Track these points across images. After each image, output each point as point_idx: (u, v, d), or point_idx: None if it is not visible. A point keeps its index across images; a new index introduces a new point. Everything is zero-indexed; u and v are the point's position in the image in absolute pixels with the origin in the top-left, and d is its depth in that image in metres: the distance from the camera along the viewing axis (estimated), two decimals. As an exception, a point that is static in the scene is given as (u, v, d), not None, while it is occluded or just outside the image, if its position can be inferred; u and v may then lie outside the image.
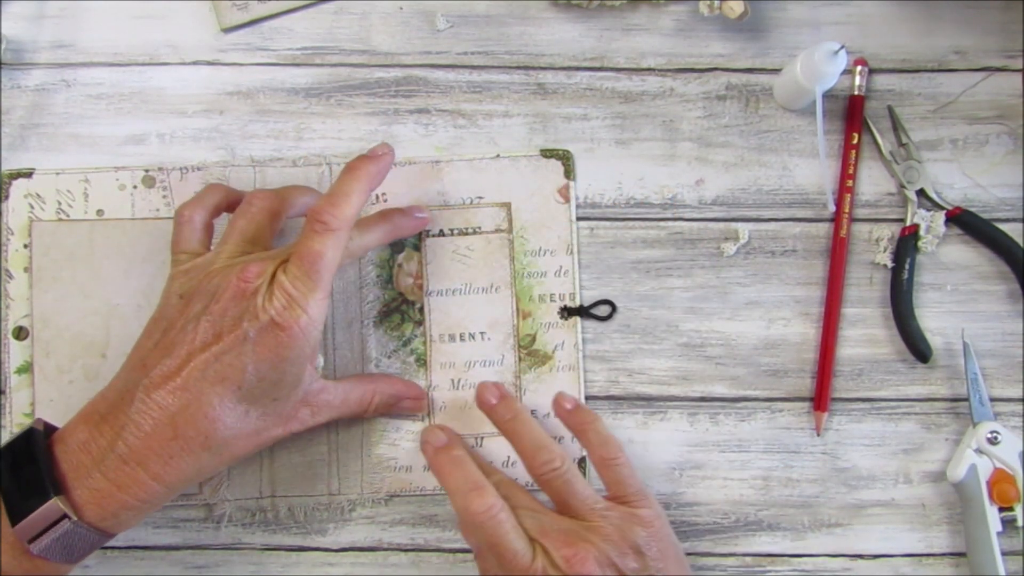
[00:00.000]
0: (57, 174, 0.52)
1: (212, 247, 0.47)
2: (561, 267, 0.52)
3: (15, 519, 0.39)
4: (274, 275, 0.42)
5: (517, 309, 0.52)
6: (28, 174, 0.52)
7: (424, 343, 0.52)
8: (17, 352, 0.51)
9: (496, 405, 0.49)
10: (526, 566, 0.42)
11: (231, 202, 0.48)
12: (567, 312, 0.52)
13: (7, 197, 0.51)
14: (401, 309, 0.52)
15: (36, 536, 0.39)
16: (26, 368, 0.51)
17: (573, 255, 0.52)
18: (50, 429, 0.43)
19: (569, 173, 0.53)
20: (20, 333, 0.51)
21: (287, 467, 0.51)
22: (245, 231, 0.45)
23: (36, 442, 0.41)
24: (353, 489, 0.51)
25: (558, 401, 0.50)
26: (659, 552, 0.43)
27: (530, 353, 0.52)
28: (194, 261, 0.45)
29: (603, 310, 0.52)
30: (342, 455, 0.51)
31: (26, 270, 0.51)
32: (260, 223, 0.45)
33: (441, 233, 0.52)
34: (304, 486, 0.51)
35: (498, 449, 0.51)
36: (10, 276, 0.51)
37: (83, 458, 0.41)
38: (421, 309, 0.52)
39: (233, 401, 0.41)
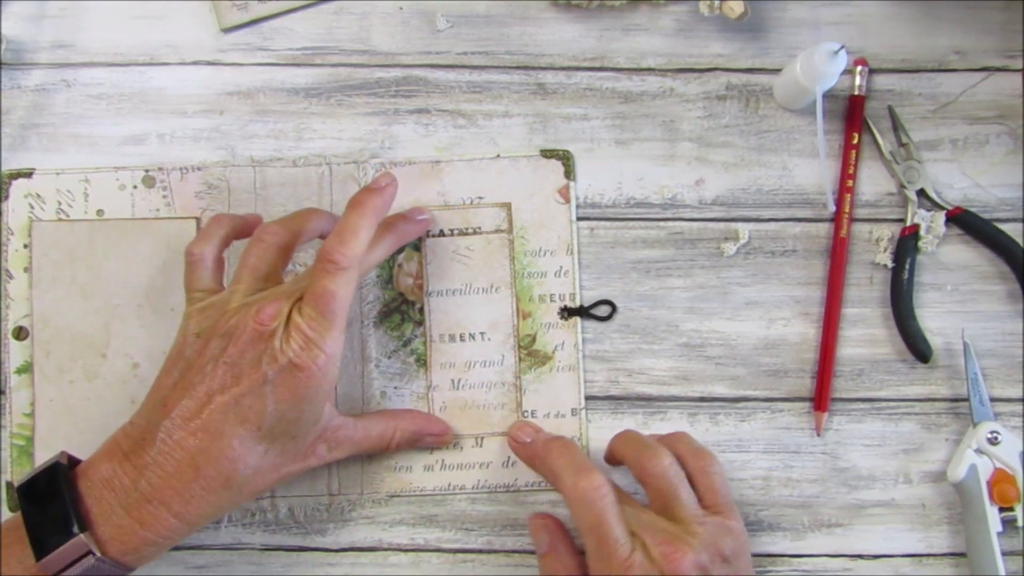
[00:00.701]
0: (57, 174, 0.52)
1: (225, 281, 0.48)
2: (561, 267, 0.52)
3: (40, 553, 0.40)
4: (290, 316, 0.42)
5: (517, 309, 0.52)
6: (28, 174, 0.52)
7: (424, 343, 0.52)
8: (17, 352, 0.51)
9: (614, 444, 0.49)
10: (625, 555, 0.42)
11: (238, 231, 0.48)
12: (567, 312, 0.52)
13: (7, 197, 0.51)
14: (401, 309, 0.52)
15: (61, 570, 0.40)
16: (26, 368, 0.51)
17: (573, 255, 0.52)
18: (73, 461, 0.44)
19: (569, 173, 0.53)
20: (20, 333, 0.51)
21: None
22: (257, 268, 0.45)
23: (60, 476, 0.42)
24: (353, 489, 0.51)
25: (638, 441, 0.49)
26: (744, 565, 0.44)
27: (530, 353, 0.52)
28: (209, 299, 0.45)
29: (603, 310, 0.52)
30: None
31: (26, 270, 0.51)
32: (272, 259, 0.46)
33: (441, 233, 0.52)
34: (304, 486, 0.51)
35: (499, 448, 0.51)
36: (10, 276, 0.51)
37: (107, 494, 0.41)
38: (421, 309, 0.52)
39: (253, 441, 0.42)
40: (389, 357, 0.52)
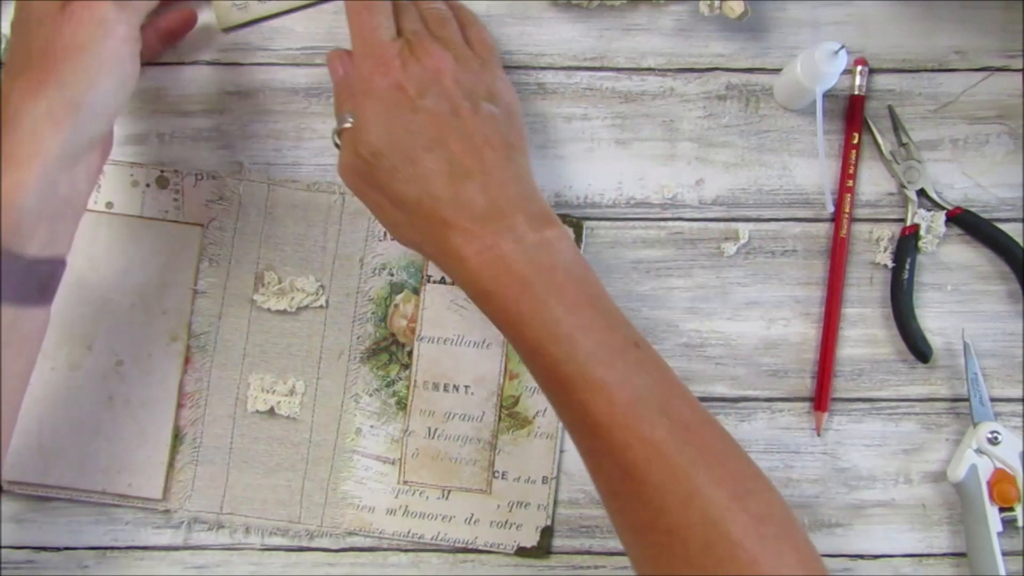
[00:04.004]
0: None
1: None
2: None
3: None
4: None
5: (506, 368, 0.51)
6: None
7: (407, 387, 0.51)
8: None
9: None
10: (386, 42, 0.44)
11: None
12: None
13: None
14: (390, 350, 0.52)
15: None
16: None
17: None
18: None
19: (579, 240, 0.52)
20: None
21: (250, 488, 0.51)
22: None
23: None
24: (313, 520, 0.51)
25: None
26: (517, 123, 0.46)
27: (511, 415, 0.51)
28: None
29: None
30: (308, 485, 0.51)
31: None
32: None
33: (442, 280, 0.52)
34: (264, 509, 0.51)
35: (463, 503, 0.51)
36: None
37: None
38: (410, 353, 0.51)
39: None
40: (371, 395, 0.51)
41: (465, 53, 0.46)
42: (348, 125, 0.44)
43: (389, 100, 0.43)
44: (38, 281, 0.40)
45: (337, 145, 0.45)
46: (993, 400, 0.52)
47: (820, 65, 0.48)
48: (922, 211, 0.52)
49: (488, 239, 0.41)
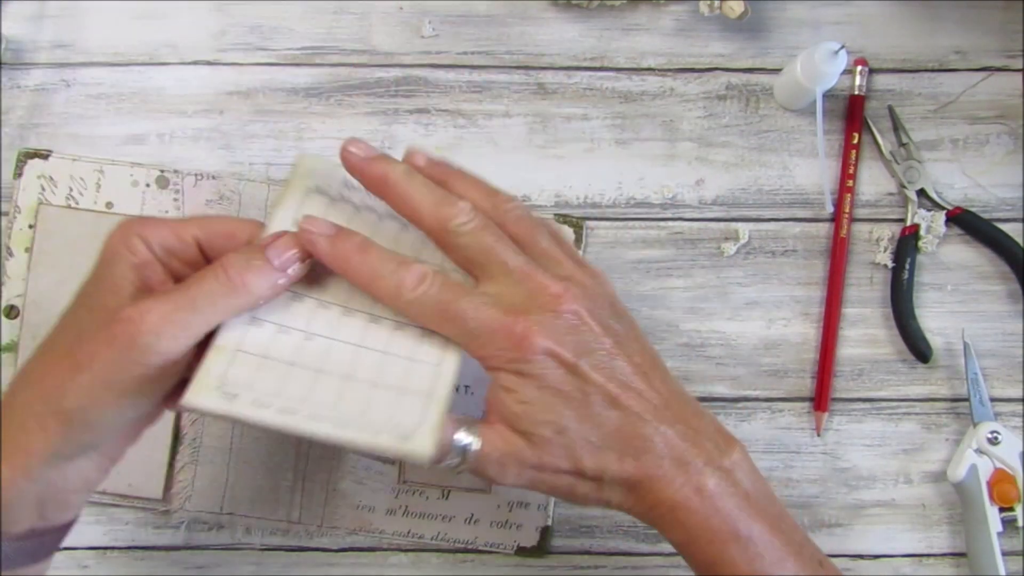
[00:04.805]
0: (73, 160, 0.51)
1: None
2: None
3: None
4: None
5: None
6: (45, 155, 0.51)
7: None
8: (6, 330, 0.51)
9: (370, 162, 0.40)
10: (550, 281, 0.38)
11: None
12: None
13: (21, 175, 0.51)
14: None
15: None
16: (12, 348, 0.51)
17: None
18: None
19: (579, 242, 0.52)
20: (11, 312, 0.51)
21: (250, 488, 0.51)
22: None
23: None
24: (313, 520, 0.50)
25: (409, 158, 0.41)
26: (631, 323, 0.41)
27: None
28: None
29: None
30: (307, 485, 0.51)
31: (27, 251, 0.51)
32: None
33: None
34: (264, 509, 0.50)
35: (464, 504, 0.50)
36: (10, 254, 0.51)
37: None
38: None
39: None
40: None
41: (574, 270, 0.40)
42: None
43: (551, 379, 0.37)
44: (27, 552, 0.39)
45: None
46: (993, 400, 0.52)
47: (820, 65, 0.48)
48: (922, 211, 0.52)
49: (692, 477, 0.37)
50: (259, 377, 0.37)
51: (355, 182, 0.40)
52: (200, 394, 0.35)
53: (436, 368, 0.38)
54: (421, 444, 0.35)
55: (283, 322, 0.38)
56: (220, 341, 0.37)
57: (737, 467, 0.38)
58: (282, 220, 0.39)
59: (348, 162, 0.40)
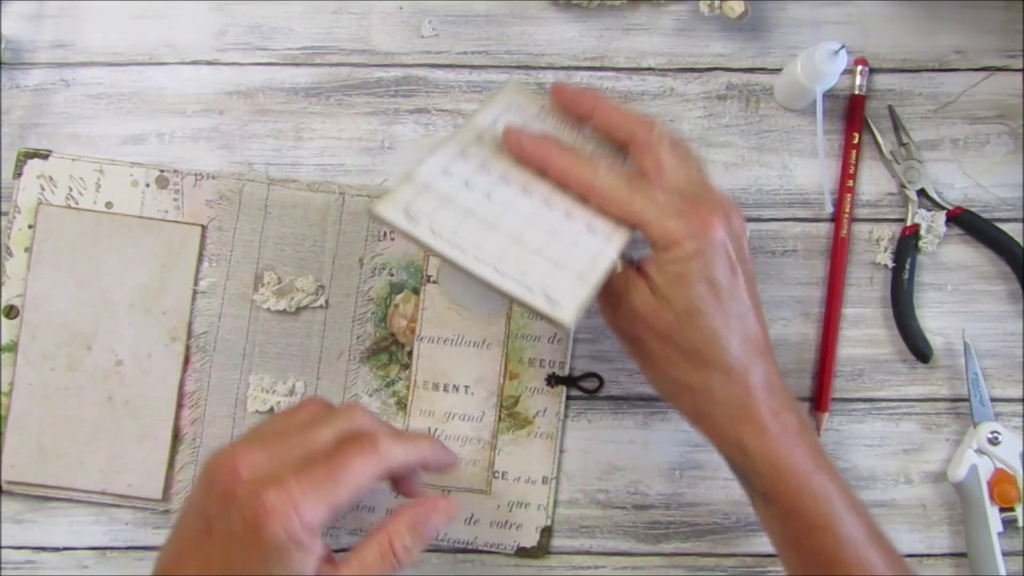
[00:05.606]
0: (73, 160, 0.52)
1: None
2: (556, 334, 0.51)
3: None
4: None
5: (505, 369, 0.51)
6: (45, 155, 0.52)
7: (407, 387, 0.51)
8: (5, 330, 0.51)
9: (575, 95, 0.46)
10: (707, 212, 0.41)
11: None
12: (554, 380, 0.51)
13: (20, 175, 0.51)
14: (390, 350, 0.51)
15: None
16: (11, 347, 0.51)
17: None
18: None
19: None
20: (11, 312, 0.51)
21: None
22: None
23: None
24: None
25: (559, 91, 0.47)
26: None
27: (511, 414, 0.51)
28: None
29: (591, 382, 0.52)
30: None
31: (27, 250, 0.51)
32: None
33: None
34: None
35: (465, 503, 0.50)
36: (10, 254, 0.51)
37: None
38: (410, 353, 0.51)
39: None
40: (370, 395, 0.51)
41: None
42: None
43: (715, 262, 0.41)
44: None
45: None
46: (993, 400, 0.52)
47: (820, 65, 0.48)
48: (922, 211, 0.52)
49: (780, 414, 0.42)
50: (440, 214, 0.41)
51: (548, 115, 0.47)
52: (388, 208, 0.40)
53: (594, 258, 0.42)
54: (567, 314, 0.39)
55: (471, 180, 0.43)
56: (413, 174, 0.42)
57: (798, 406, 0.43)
58: (484, 117, 0.46)
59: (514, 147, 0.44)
